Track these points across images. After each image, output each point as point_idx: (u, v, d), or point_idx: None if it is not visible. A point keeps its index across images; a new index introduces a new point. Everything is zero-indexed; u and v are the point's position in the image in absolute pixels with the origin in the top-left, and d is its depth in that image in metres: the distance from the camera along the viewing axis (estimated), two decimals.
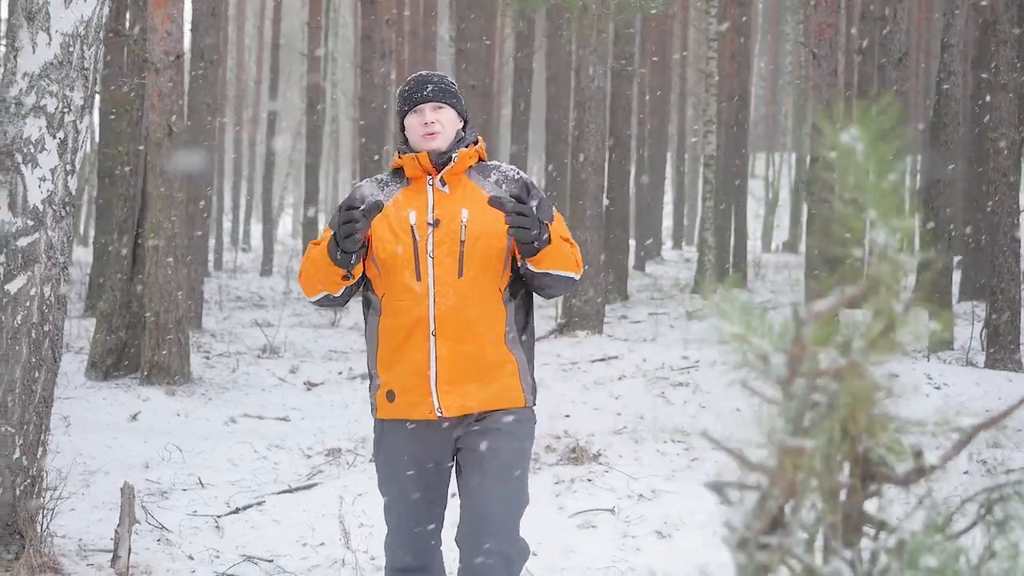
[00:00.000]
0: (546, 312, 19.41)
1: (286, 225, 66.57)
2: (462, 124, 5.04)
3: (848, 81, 30.02)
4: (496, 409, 4.85)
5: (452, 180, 4.87)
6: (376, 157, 24.26)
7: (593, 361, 14.16)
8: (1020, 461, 10.15)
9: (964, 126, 21.13)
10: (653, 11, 17.44)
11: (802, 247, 54.17)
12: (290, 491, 9.16)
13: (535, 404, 5.03)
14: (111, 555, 7.40)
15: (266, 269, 32.59)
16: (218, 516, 8.53)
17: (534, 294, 5.04)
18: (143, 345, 12.48)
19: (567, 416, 11.87)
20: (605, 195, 17.50)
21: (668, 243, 51.19)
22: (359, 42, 28.02)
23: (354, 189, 5.00)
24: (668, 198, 53.12)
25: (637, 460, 10.18)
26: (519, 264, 4.78)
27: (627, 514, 8.79)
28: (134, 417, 11.45)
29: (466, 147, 4.93)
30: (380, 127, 24.33)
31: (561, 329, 15.95)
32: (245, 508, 8.73)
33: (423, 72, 5.06)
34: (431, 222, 4.79)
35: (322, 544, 8.15)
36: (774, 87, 59.00)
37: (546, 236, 4.60)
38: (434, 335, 4.74)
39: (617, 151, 23.19)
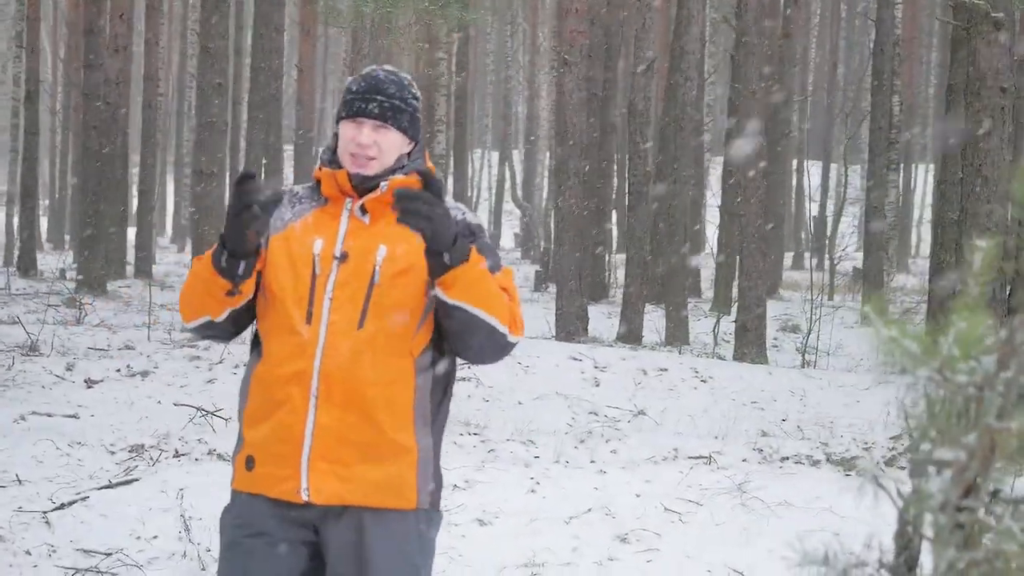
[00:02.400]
0: None
1: None
2: (410, 147, 4.04)
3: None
4: (380, 507, 3.85)
5: (376, 209, 3.91)
6: (106, 150, 24.04)
7: None
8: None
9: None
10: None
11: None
12: (111, 487, 9.25)
13: (438, 506, 4.03)
14: None
15: None
16: (45, 512, 8.60)
17: (454, 370, 4.10)
18: None
19: None
20: None
21: None
22: (81, 36, 27.52)
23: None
24: None
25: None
26: (431, 292, 3.82)
27: (445, 503, 9.20)
28: None
29: (404, 175, 3.93)
30: (112, 122, 24.13)
31: None
32: (70, 503, 8.78)
33: (379, 74, 3.99)
34: (337, 255, 3.86)
35: (155, 537, 8.30)
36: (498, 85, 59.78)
37: (461, 249, 3.67)
38: (316, 396, 3.78)
39: None
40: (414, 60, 29.55)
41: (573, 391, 13.23)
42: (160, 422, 11.52)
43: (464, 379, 13.35)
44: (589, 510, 9.07)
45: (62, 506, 8.74)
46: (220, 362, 14.05)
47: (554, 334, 17.82)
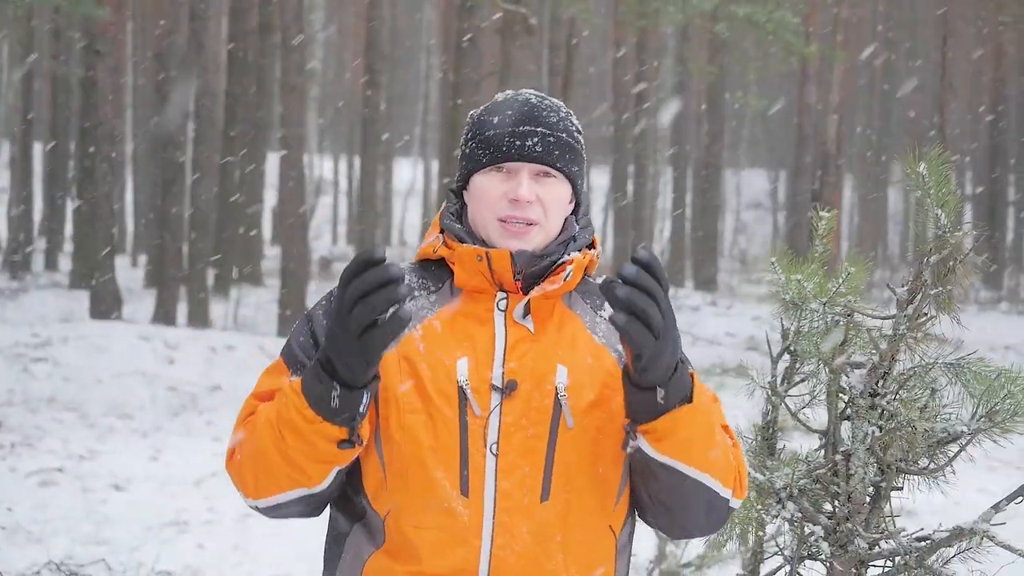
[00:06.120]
0: None
1: None
2: (572, 207, 2.70)
3: None
4: None
5: (541, 308, 2.59)
6: None
7: None
8: None
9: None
10: None
11: None
12: None
13: None
14: None
15: None
16: None
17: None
18: None
19: None
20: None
21: None
22: None
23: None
24: None
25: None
26: (625, 445, 2.49)
27: (78, 471, 9.78)
28: None
29: (579, 250, 2.65)
30: None
31: None
32: None
33: (529, 96, 2.66)
34: (500, 386, 2.52)
35: None
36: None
37: (681, 383, 2.40)
38: None
39: None
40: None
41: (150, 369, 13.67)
42: None
43: (41, 359, 13.60)
44: (214, 474, 9.74)
45: None
46: None
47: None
